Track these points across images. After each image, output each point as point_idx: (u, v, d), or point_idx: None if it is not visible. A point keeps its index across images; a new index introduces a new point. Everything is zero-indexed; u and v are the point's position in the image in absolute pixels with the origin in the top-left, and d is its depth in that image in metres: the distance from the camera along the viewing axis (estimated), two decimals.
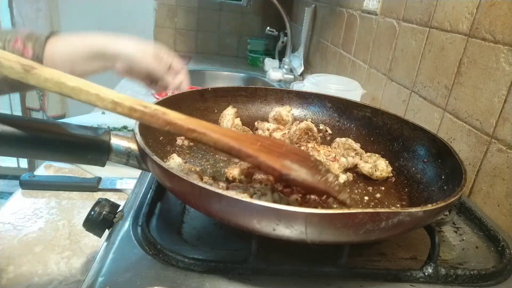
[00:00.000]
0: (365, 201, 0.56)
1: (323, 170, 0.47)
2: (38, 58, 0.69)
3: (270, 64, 2.05)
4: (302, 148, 0.61)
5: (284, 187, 0.49)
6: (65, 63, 0.70)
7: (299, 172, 0.44)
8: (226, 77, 2.10)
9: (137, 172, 0.62)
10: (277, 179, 0.48)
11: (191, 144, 0.65)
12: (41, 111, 2.78)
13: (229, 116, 0.71)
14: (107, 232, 0.50)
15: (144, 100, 1.36)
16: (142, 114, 0.41)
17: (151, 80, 0.77)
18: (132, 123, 0.49)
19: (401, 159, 0.65)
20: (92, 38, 0.72)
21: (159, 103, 0.62)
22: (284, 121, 0.73)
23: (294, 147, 0.52)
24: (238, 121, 0.72)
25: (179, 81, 0.79)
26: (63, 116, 2.78)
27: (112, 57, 0.72)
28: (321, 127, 0.74)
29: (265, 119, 0.76)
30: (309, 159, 0.48)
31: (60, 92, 0.38)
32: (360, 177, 0.62)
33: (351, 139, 0.68)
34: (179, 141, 0.64)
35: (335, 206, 0.48)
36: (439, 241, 0.46)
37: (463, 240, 0.54)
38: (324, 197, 0.47)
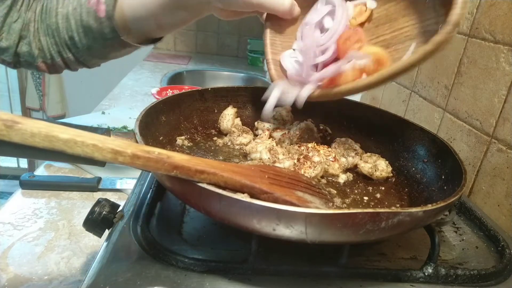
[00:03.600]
0: (365, 201, 0.56)
1: (327, 194, 0.48)
2: (112, 16, 0.66)
3: None
4: (302, 148, 0.61)
5: None
6: (143, 14, 0.66)
7: (316, 203, 0.44)
8: (226, 77, 2.10)
9: (137, 172, 0.62)
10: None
11: (191, 144, 0.65)
12: (41, 111, 2.79)
13: (229, 116, 0.71)
14: (107, 232, 0.50)
15: (144, 99, 1.36)
16: (146, 160, 0.37)
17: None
18: (132, 123, 0.49)
19: (401, 159, 0.65)
20: None
21: (159, 103, 0.62)
22: (284, 121, 0.73)
23: (294, 173, 0.52)
24: (238, 121, 0.72)
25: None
26: (63, 116, 2.78)
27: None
28: (321, 127, 0.74)
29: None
30: (311, 183, 0.49)
31: (52, 147, 0.34)
32: (360, 177, 0.62)
33: (351, 139, 0.68)
34: (179, 141, 0.64)
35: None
36: (439, 241, 0.46)
37: (463, 240, 0.54)
38: None
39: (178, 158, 0.38)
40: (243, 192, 0.41)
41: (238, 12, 0.64)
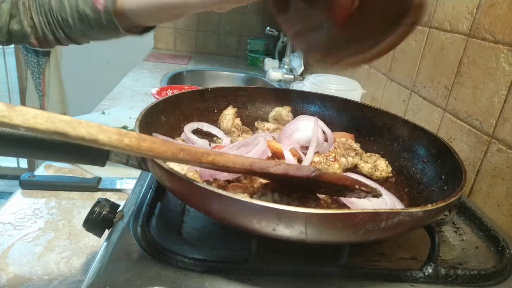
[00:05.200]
0: None
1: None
2: (110, 10, 0.67)
3: (270, 64, 2.05)
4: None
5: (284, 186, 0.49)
6: (143, 13, 0.68)
7: (326, 170, 0.43)
8: (226, 77, 2.10)
9: (137, 172, 0.62)
10: (306, 180, 0.45)
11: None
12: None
13: (229, 116, 0.71)
14: (107, 232, 0.50)
15: (144, 99, 1.36)
16: (152, 142, 0.36)
17: None
18: (132, 123, 0.49)
19: (401, 159, 0.65)
20: None
21: (159, 102, 0.62)
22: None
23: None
24: (238, 121, 0.72)
25: None
26: None
27: None
28: None
29: (265, 119, 0.76)
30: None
31: (54, 129, 0.31)
32: (360, 177, 0.62)
33: (351, 139, 0.68)
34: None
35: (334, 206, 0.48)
36: (439, 241, 0.46)
37: (463, 240, 0.54)
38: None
39: (182, 145, 0.38)
40: (252, 171, 0.39)
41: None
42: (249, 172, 0.41)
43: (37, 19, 0.72)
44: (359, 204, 0.50)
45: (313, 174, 0.40)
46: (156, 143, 0.36)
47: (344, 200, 0.51)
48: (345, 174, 0.44)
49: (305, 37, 0.65)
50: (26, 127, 0.30)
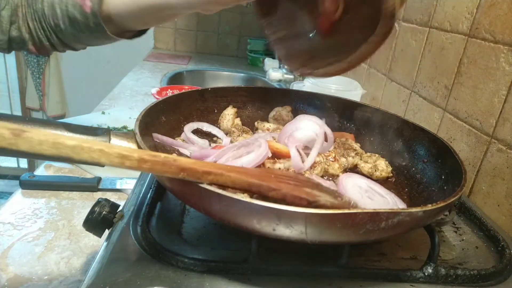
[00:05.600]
0: None
1: (337, 192, 0.48)
2: (97, 13, 0.69)
3: (270, 64, 2.05)
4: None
5: None
6: (127, 16, 0.69)
7: (326, 197, 0.43)
8: (226, 77, 2.10)
9: (137, 172, 0.62)
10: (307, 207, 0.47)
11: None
12: (41, 111, 2.78)
13: (229, 116, 0.71)
14: (107, 232, 0.50)
15: (144, 99, 1.36)
16: (153, 164, 0.37)
17: None
18: (132, 123, 0.49)
19: (401, 159, 0.65)
20: None
21: (159, 102, 0.62)
22: (284, 121, 0.73)
23: (301, 175, 0.52)
24: (238, 121, 0.72)
25: None
26: (63, 116, 2.78)
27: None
28: None
29: (265, 119, 0.76)
30: (320, 184, 0.49)
31: (59, 154, 0.34)
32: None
33: (351, 139, 0.68)
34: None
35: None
36: (439, 241, 0.46)
37: (463, 240, 0.54)
38: None
39: (184, 161, 0.39)
40: (251, 191, 0.40)
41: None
42: (247, 191, 0.42)
43: (32, 25, 0.73)
44: (361, 205, 0.50)
45: (314, 204, 0.41)
46: (157, 164, 0.37)
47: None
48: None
49: (287, 43, 0.66)
50: (32, 153, 0.33)
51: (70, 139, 0.34)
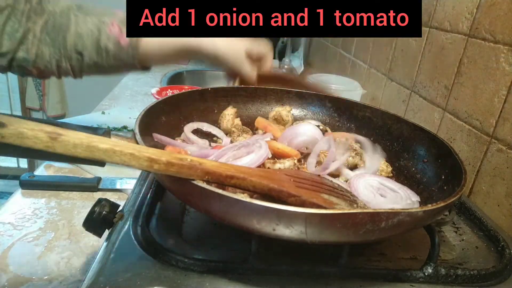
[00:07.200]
0: None
1: (350, 196, 0.49)
2: (133, 47, 0.75)
3: None
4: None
5: None
6: (157, 53, 0.77)
7: (342, 205, 0.44)
8: None
9: (137, 172, 0.62)
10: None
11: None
12: (41, 111, 2.78)
13: (229, 116, 0.71)
14: (107, 232, 0.50)
15: (144, 99, 1.36)
16: (179, 167, 0.38)
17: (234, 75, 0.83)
18: (132, 123, 0.49)
19: (401, 159, 0.65)
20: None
21: (159, 102, 0.62)
22: (284, 121, 0.73)
23: (317, 177, 0.52)
24: (238, 121, 0.72)
25: (253, 75, 0.82)
26: (63, 116, 2.78)
27: (199, 53, 0.78)
28: (321, 127, 0.74)
29: (265, 119, 0.76)
30: (334, 186, 0.50)
31: (92, 157, 0.36)
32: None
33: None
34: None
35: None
36: (439, 241, 0.46)
37: (463, 240, 0.54)
38: None
39: (209, 164, 0.40)
40: (271, 196, 0.41)
41: None
42: (267, 194, 0.42)
43: (46, 50, 0.76)
44: (374, 205, 0.50)
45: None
46: (183, 167, 0.38)
47: (359, 198, 0.52)
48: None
49: None
50: (67, 155, 0.35)
51: (102, 143, 0.36)
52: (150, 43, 0.77)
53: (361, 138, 0.66)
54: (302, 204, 0.41)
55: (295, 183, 0.44)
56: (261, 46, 0.82)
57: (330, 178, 0.56)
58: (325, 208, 0.41)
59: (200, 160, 0.40)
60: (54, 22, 0.76)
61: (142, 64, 0.80)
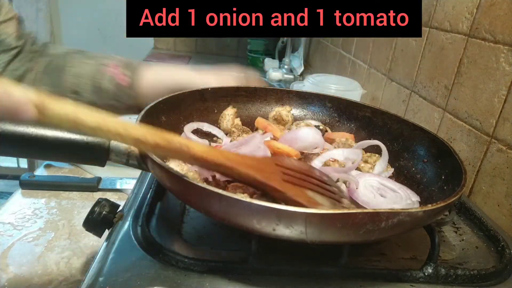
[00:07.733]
0: None
1: (338, 191, 0.49)
2: (133, 87, 0.75)
3: (270, 64, 2.05)
4: None
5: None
6: (150, 92, 0.76)
7: (326, 205, 0.44)
8: None
9: (137, 172, 0.62)
10: None
11: None
12: None
13: (229, 116, 0.71)
14: (107, 232, 0.50)
15: None
16: (167, 150, 0.40)
17: None
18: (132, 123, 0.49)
19: (401, 159, 0.65)
20: (177, 71, 0.77)
21: (159, 102, 0.62)
22: (284, 121, 0.73)
23: (307, 168, 0.52)
24: (238, 121, 0.72)
25: None
26: None
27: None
28: (321, 127, 0.74)
29: (265, 119, 0.76)
30: (322, 179, 0.49)
31: (77, 130, 0.38)
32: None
33: (351, 139, 0.67)
34: None
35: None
36: (439, 241, 0.46)
37: (463, 240, 0.54)
38: None
39: (197, 149, 0.40)
40: (256, 188, 0.42)
41: None
42: (252, 186, 0.44)
43: (44, 90, 0.77)
44: (374, 205, 0.50)
45: None
46: (170, 150, 0.40)
47: (358, 198, 0.52)
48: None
49: None
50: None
51: (91, 117, 0.36)
52: (144, 84, 0.76)
53: (381, 145, 0.64)
54: (285, 201, 0.42)
55: (283, 175, 0.44)
56: (251, 80, 0.82)
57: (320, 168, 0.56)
58: (307, 207, 0.41)
59: (189, 144, 0.40)
60: (53, 63, 0.77)
61: (138, 105, 0.79)
